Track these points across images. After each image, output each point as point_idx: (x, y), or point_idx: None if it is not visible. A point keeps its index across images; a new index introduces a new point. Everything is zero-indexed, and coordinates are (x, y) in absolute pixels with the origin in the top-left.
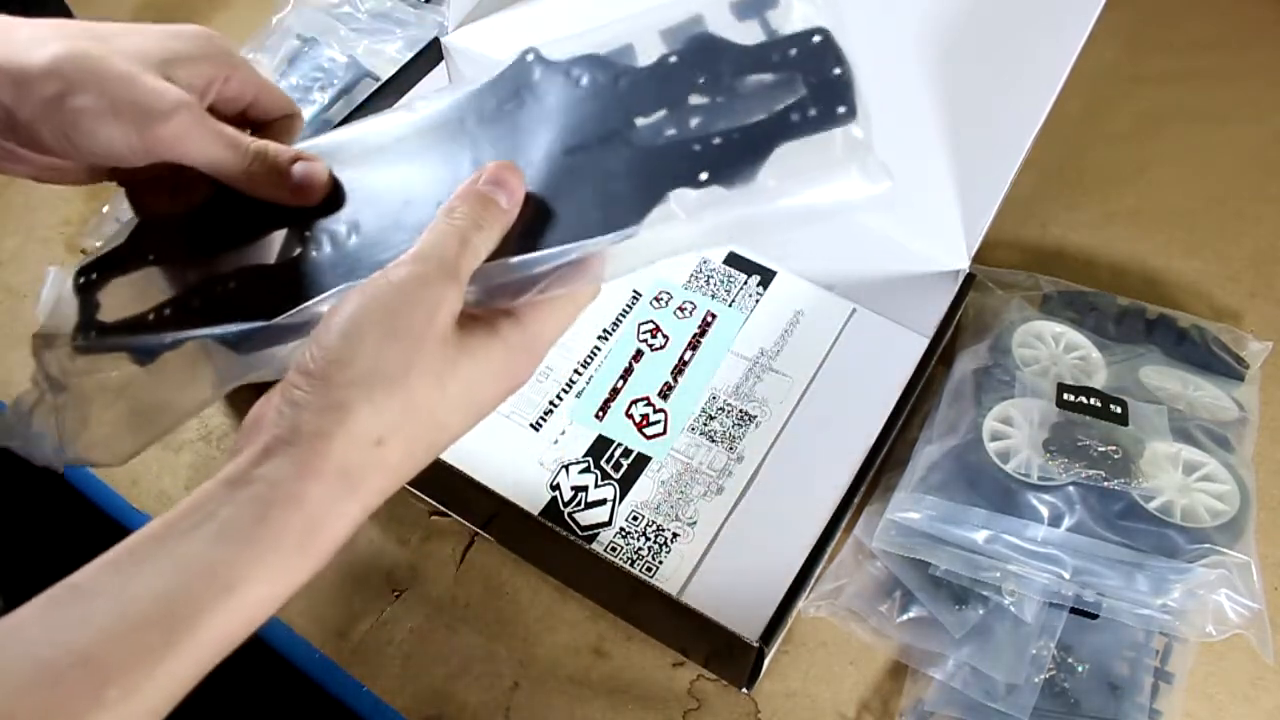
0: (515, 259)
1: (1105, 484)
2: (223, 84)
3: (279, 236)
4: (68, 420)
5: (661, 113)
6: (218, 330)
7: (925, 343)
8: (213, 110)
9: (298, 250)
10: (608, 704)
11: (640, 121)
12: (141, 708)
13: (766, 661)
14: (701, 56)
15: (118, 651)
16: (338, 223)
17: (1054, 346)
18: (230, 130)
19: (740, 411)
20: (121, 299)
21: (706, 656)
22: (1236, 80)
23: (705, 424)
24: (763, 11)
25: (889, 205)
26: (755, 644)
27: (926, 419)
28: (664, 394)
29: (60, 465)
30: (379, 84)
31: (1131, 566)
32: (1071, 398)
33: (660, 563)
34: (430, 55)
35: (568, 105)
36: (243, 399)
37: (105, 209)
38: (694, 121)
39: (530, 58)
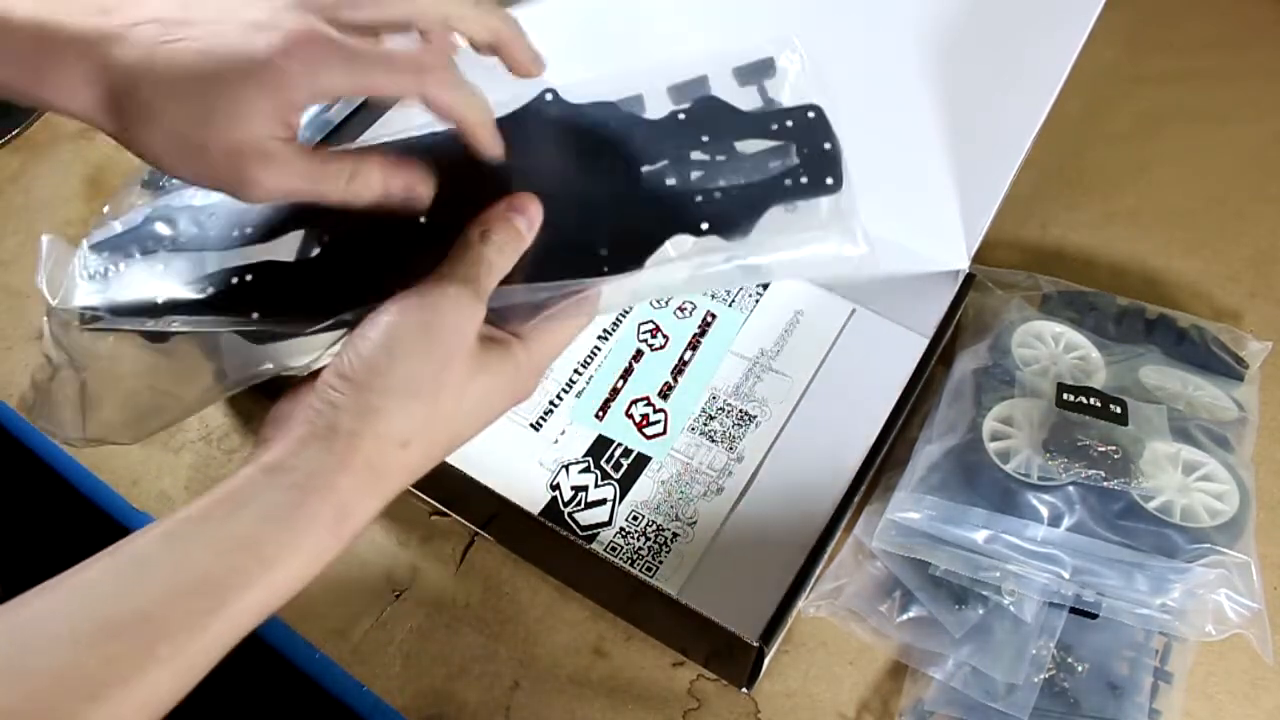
0: (527, 286)
1: (1105, 484)
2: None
3: (297, 235)
4: (86, 398)
5: (665, 163)
6: (237, 322)
7: (925, 343)
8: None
9: (315, 250)
10: (608, 704)
11: (646, 169)
12: (186, 665)
13: (766, 661)
14: (706, 117)
15: (172, 613)
16: (353, 228)
17: (1054, 346)
18: (321, 164)
19: (740, 411)
20: (133, 279)
21: (706, 656)
22: (1236, 80)
23: (705, 424)
24: (761, 79)
25: (873, 265)
26: (755, 644)
27: (926, 419)
28: (664, 394)
29: (81, 443)
30: None
31: (1131, 566)
32: (1071, 398)
33: (660, 563)
34: None
35: (580, 147)
36: (247, 399)
37: (106, 209)
38: (695, 175)
39: (549, 97)
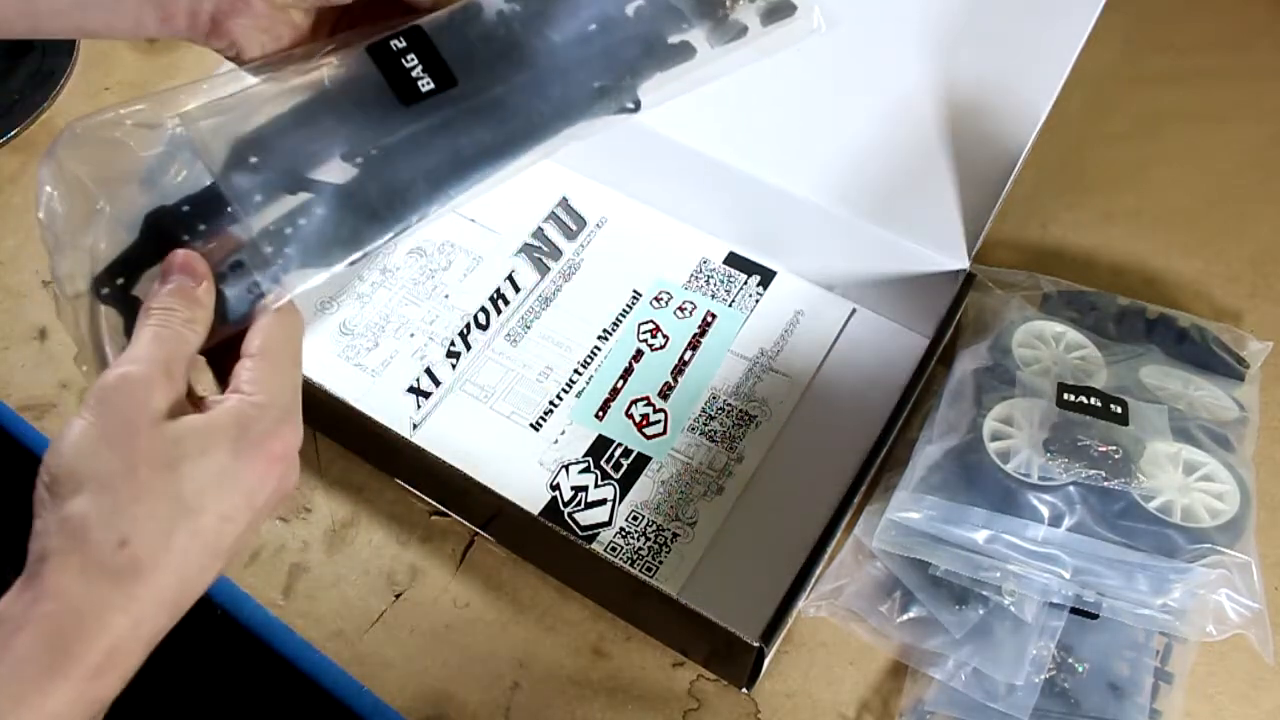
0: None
1: (1105, 484)
2: None
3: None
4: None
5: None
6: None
7: (925, 343)
8: None
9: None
10: (608, 704)
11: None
12: None
13: (766, 661)
14: None
15: None
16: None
17: (1054, 346)
18: None
19: (740, 411)
20: None
21: (706, 656)
22: (1236, 80)
23: (705, 424)
24: None
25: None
26: (755, 644)
27: (926, 419)
28: (664, 394)
29: None
30: None
31: (1131, 566)
32: (1072, 398)
33: (660, 563)
34: None
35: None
36: None
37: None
38: None
39: None
